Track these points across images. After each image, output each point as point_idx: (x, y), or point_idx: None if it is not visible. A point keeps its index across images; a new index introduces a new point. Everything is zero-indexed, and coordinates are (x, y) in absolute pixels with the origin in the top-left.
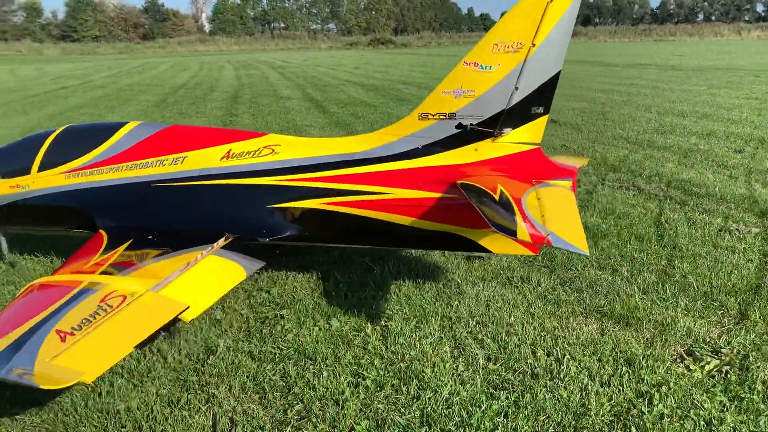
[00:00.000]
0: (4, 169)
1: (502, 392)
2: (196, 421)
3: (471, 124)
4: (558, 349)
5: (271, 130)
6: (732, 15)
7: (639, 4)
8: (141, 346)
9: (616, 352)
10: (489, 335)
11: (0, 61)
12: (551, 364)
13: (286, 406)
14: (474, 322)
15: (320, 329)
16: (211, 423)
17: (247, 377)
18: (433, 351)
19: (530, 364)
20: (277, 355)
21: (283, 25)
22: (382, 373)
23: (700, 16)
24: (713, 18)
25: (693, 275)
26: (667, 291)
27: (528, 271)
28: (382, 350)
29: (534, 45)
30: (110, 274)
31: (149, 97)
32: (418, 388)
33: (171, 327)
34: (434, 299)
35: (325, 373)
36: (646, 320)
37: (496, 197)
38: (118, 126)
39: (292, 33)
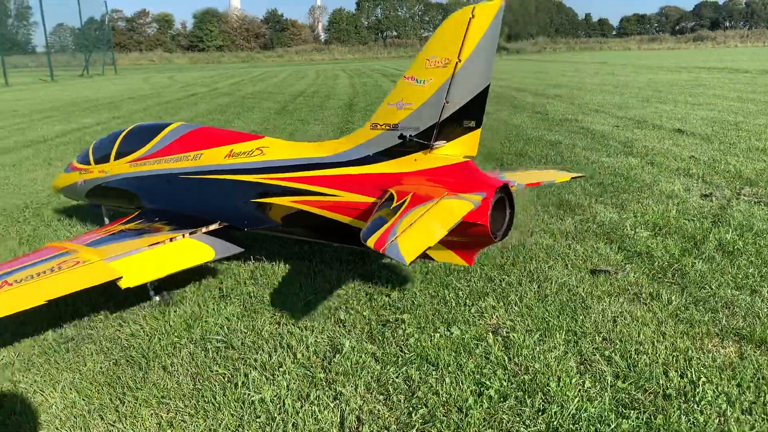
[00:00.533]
0: (96, 156)
1: (632, 411)
2: (325, 416)
3: (410, 136)
4: (692, 370)
5: None
6: None
7: None
8: None
9: (758, 379)
10: (617, 352)
11: (136, 70)
12: (685, 386)
13: (411, 409)
14: (600, 339)
15: (441, 336)
16: (339, 420)
17: (372, 378)
18: (557, 365)
19: (662, 384)
20: (400, 359)
21: (395, 33)
22: (505, 383)
23: None
24: None
25: None
26: None
27: (658, 288)
28: (504, 361)
29: (460, 60)
30: (103, 243)
31: (271, 105)
32: (543, 401)
33: (163, 293)
34: (558, 312)
35: (447, 380)
36: None
37: (394, 205)
38: (164, 126)
39: (404, 41)
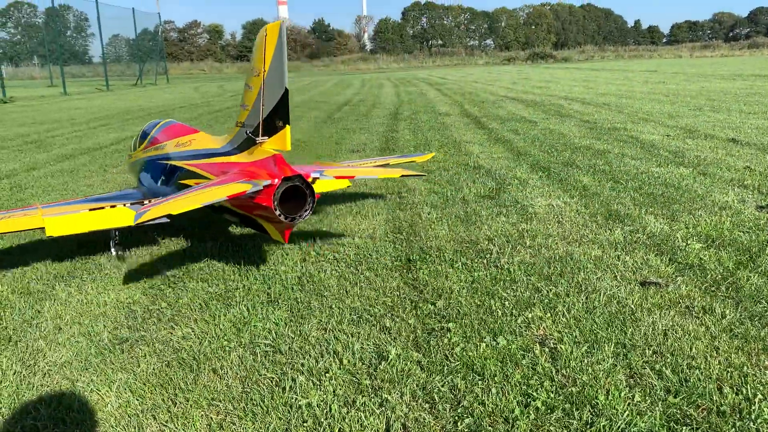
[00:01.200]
0: (139, 142)
1: (684, 428)
2: (371, 422)
3: (247, 132)
4: (748, 387)
5: (431, 146)
6: None
7: None
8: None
9: None
10: (668, 366)
11: (187, 79)
12: (740, 403)
13: (456, 418)
14: (651, 352)
15: (487, 346)
16: (384, 427)
17: (417, 386)
18: (606, 378)
19: (716, 401)
20: (446, 368)
21: (440, 42)
22: (552, 395)
23: None
24: None
25: None
26: None
27: (711, 302)
28: (551, 372)
29: (265, 71)
30: (61, 206)
31: (317, 113)
32: (592, 414)
33: (119, 252)
34: (606, 324)
35: (493, 390)
36: None
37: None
38: (159, 122)
39: (449, 50)
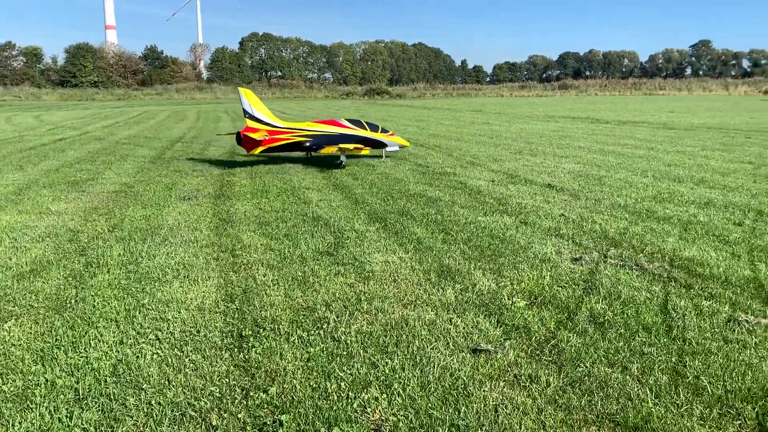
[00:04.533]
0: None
1: None
2: None
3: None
4: None
5: (269, 193)
6: (719, 70)
7: (628, 58)
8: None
9: None
10: None
11: None
12: None
13: None
14: None
15: None
16: None
17: None
18: None
19: None
20: None
21: (280, 73)
22: None
23: (689, 71)
24: (701, 73)
25: (705, 376)
26: (681, 395)
27: (536, 368)
28: None
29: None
30: None
31: (146, 152)
32: None
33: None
34: (441, 403)
35: None
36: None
37: None
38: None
39: (288, 82)
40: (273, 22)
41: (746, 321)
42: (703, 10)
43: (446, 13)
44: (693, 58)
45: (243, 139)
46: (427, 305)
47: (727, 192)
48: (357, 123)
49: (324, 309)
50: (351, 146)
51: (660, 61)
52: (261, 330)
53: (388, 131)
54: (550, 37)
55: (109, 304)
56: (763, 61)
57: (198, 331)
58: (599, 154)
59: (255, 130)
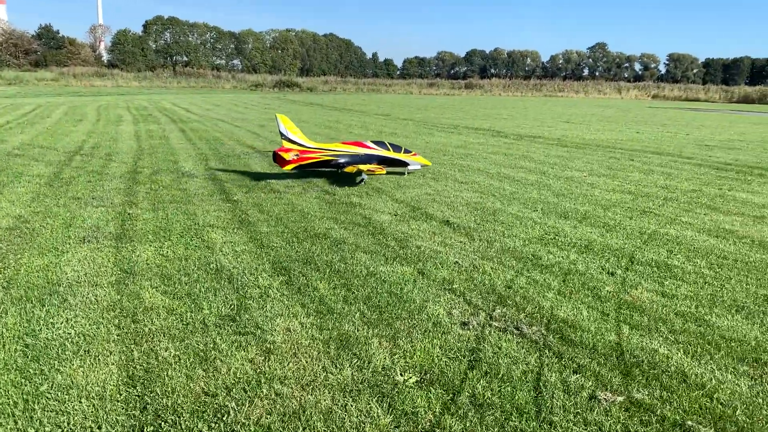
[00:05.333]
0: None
1: None
2: None
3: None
4: None
5: (172, 232)
6: (613, 72)
7: (531, 58)
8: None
9: None
10: None
11: None
12: None
13: None
14: None
15: None
16: None
17: None
18: None
19: None
20: None
21: (186, 59)
22: None
23: (586, 71)
24: (597, 74)
25: None
26: None
27: None
28: None
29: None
30: None
31: (42, 169)
32: None
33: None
34: None
35: None
36: None
37: None
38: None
39: (195, 71)
40: (179, 4)
41: (605, 399)
42: (602, 11)
43: (357, 5)
44: (590, 60)
45: (277, 157)
46: (324, 387)
47: (606, 232)
48: (381, 144)
49: (225, 394)
50: (373, 166)
51: (560, 61)
52: (162, 423)
53: (411, 152)
54: (458, 34)
55: (6, 392)
56: (652, 65)
57: (99, 427)
58: (496, 179)
59: (288, 150)
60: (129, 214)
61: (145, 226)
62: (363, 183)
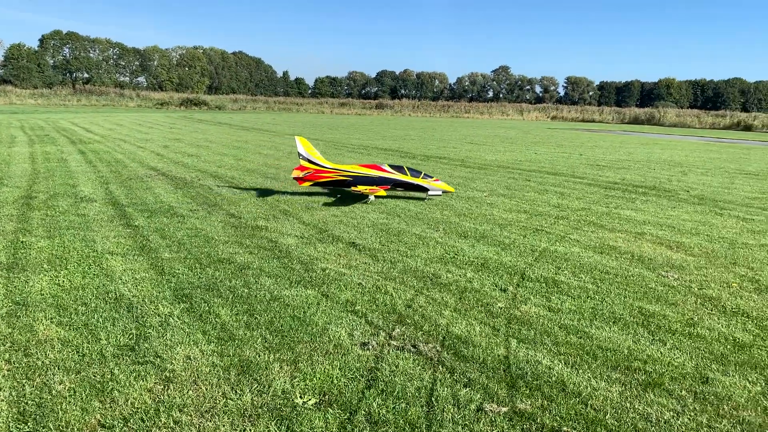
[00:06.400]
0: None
1: None
2: None
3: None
4: None
5: (68, 262)
6: (516, 94)
7: (439, 80)
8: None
9: None
10: None
11: None
12: None
13: None
14: None
15: None
16: None
17: None
18: None
19: None
20: None
21: (87, 75)
22: None
23: (490, 93)
24: (501, 96)
25: None
26: None
27: None
28: None
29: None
30: None
31: None
32: None
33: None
34: None
35: None
36: None
37: None
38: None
39: (97, 88)
40: (79, 19)
41: (491, 410)
42: (505, 36)
43: (268, 23)
44: (494, 82)
45: (301, 177)
46: (224, 413)
47: (501, 250)
48: (399, 168)
49: (122, 425)
50: (374, 188)
51: (466, 83)
52: None
53: (432, 177)
54: (369, 54)
55: None
56: (552, 87)
57: None
58: (402, 200)
59: (305, 169)
60: (22, 242)
61: (40, 254)
62: (369, 202)
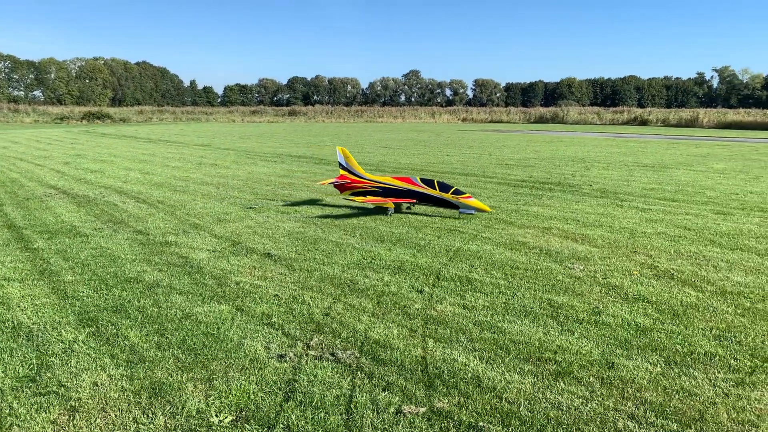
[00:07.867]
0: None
1: None
2: None
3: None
4: None
5: None
6: (427, 97)
7: (351, 85)
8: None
9: None
10: None
11: None
12: None
13: None
14: None
15: None
16: None
17: None
18: None
19: None
20: None
21: None
22: None
23: (403, 98)
24: (413, 100)
25: None
26: None
27: None
28: None
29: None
30: None
31: None
32: None
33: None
34: None
35: None
36: None
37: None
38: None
39: None
40: None
41: (409, 411)
42: (413, 42)
43: (171, 32)
44: (406, 87)
45: (335, 184)
46: None
47: (417, 252)
48: (429, 183)
49: None
50: (378, 199)
51: (378, 88)
52: None
53: (464, 193)
54: (279, 61)
55: None
56: (461, 90)
57: None
58: (318, 207)
59: (345, 178)
60: None
61: None
62: (390, 214)
